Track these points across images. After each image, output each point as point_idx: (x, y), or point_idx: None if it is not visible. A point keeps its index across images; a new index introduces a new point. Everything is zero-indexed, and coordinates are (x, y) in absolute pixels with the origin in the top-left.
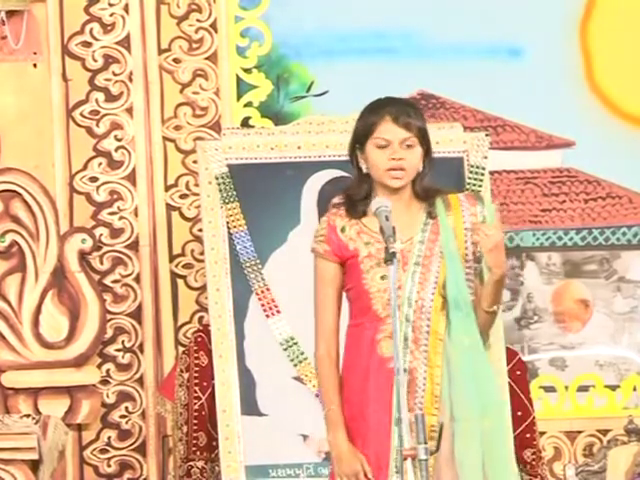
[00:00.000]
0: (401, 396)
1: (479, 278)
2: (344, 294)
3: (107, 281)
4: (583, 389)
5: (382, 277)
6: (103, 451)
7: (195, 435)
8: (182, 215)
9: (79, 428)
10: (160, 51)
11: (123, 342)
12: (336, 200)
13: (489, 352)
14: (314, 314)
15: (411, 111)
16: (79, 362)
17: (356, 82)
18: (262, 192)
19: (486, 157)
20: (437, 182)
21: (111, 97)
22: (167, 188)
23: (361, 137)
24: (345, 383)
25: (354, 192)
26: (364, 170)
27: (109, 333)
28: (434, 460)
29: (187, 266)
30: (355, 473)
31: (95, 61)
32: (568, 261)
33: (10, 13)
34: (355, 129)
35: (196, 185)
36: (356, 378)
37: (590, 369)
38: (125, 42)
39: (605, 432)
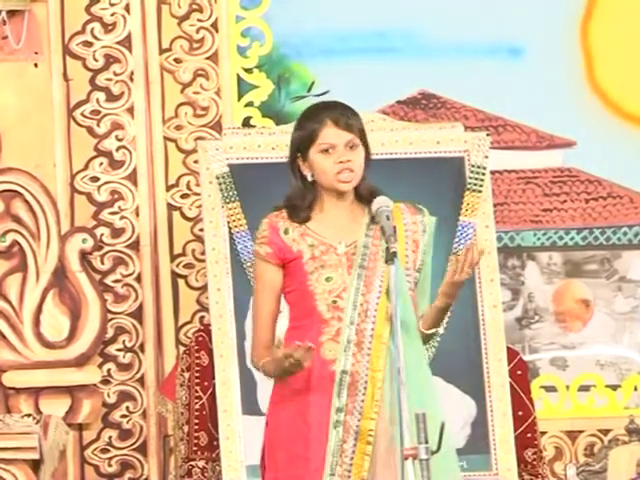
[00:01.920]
0: (401, 396)
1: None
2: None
3: (108, 281)
4: (584, 389)
5: (327, 279)
6: (104, 451)
7: (196, 435)
8: (183, 215)
9: (80, 428)
10: (161, 51)
11: (124, 342)
12: (279, 204)
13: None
14: (254, 318)
15: (349, 113)
16: (80, 362)
17: (356, 82)
18: (263, 192)
19: (487, 157)
20: (439, 182)
21: (112, 97)
22: (168, 188)
23: (303, 145)
24: (284, 384)
25: (298, 202)
26: (309, 178)
27: (110, 333)
28: (370, 463)
29: (188, 266)
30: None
31: (96, 61)
32: (569, 261)
33: (11, 13)
34: (295, 138)
35: (197, 185)
36: (297, 380)
37: (591, 369)
38: (126, 42)
39: (606, 432)
